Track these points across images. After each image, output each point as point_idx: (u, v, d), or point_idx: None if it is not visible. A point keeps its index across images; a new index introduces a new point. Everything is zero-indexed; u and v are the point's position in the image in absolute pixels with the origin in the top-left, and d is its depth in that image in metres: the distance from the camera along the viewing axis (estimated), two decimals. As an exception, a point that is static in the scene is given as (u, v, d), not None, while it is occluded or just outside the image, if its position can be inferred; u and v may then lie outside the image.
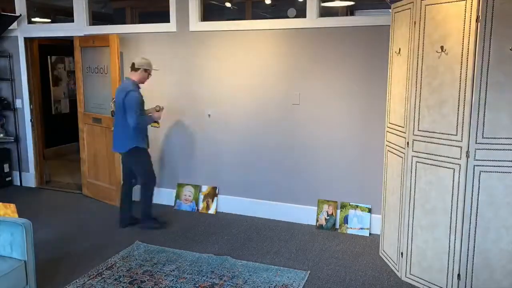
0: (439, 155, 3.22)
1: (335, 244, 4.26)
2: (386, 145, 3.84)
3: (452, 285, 3.27)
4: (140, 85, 4.44)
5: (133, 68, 4.37)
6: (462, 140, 3.08)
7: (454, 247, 3.22)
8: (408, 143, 3.42)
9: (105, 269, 3.72)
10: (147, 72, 4.42)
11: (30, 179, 6.18)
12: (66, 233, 4.50)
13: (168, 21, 5.06)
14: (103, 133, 5.36)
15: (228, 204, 5.06)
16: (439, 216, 3.28)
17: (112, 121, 5.09)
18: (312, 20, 4.47)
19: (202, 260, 3.89)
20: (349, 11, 5.53)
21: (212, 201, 5.05)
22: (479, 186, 3.09)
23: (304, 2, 4.49)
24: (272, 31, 4.65)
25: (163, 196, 5.32)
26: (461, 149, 3.09)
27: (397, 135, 3.61)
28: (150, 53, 5.18)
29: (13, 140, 6.08)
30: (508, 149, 3.01)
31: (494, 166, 3.04)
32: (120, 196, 4.70)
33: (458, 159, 3.11)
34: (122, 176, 4.73)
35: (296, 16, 4.84)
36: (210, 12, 5.39)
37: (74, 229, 4.62)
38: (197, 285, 3.47)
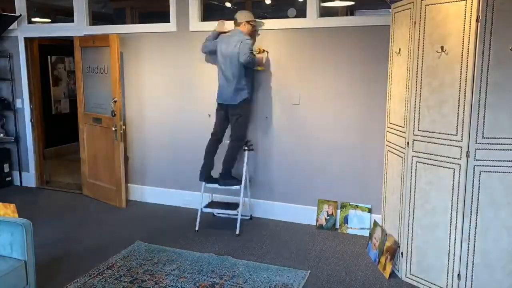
0: (439, 155, 3.22)
1: (335, 244, 4.26)
2: (386, 145, 3.84)
3: (452, 285, 3.27)
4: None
5: (236, 23, 4.46)
6: (462, 140, 3.08)
7: (454, 247, 3.22)
8: (408, 143, 3.42)
9: (106, 269, 3.73)
10: (250, 24, 4.47)
11: (30, 179, 6.18)
12: (67, 233, 4.51)
13: (168, 21, 5.07)
14: (103, 133, 5.36)
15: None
16: (439, 216, 3.28)
17: (112, 121, 5.10)
18: (312, 20, 4.47)
19: (202, 260, 3.89)
20: (349, 11, 5.53)
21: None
22: (479, 186, 3.09)
23: (304, 2, 4.49)
24: (272, 31, 4.65)
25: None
26: (461, 149, 3.09)
27: (397, 135, 3.61)
28: (150, 53, 5.19)
29: (13, 140, 6.08)
30: (508, 149, 3.01)
31: (494, 166, 3.04)
32: (207, 150, 4.63)
33: (458, 159, 3.11)
34: (214, 129, 4.64)
35: (296, 16, 4.84)
36: (210, 12, 5.39)
37: (74, 229, 4.62)
38: (197, 285, 3.48)
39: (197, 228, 4.51)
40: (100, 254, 4.01)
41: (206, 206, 4.67)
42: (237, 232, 4.42)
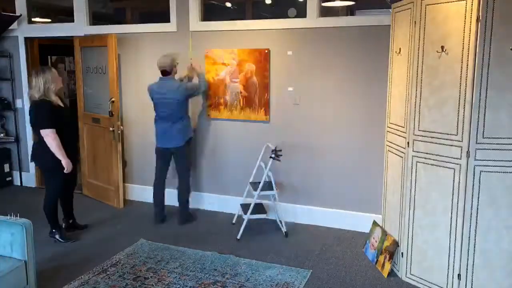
0: (440, 155, 3.21)
1: (336, 244, 4.26)
2: (387, 145, 3.84)
3: (452, 285, 3.27)
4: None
5: (166, 73, 4.54)
6: (462, 140, 3.08)
7: (455, 247, 3.22)
8: (408, 143, 3.42)
9: (110, 266, 3.77)
10: (175, 66, 4.65)
11: (30, 179, 6.17)
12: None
13: (168, 21, 5.06)
14: (101, 133, 5.35)
15: (226, 203, 5.06)
16: (439, 216, 3.28)
17: (110, 121, 5.09)
18: (312, 20, 4.47)
19: (205, 258, 3.92)
20: (349, 11, 5.52)
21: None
22: (479, 186, 3.08)
23: (304, 2, 4.49)
24: (272, 31, 4.65)
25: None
26: (461, 149, 3.09)
27: (397, 135, 3.61)
28: (150, 53, 5.18)
29: (13, 140, 6.08)
30: (508, 149, 3.01)
31: (495, 166, 3.04)
32: (156, 191, 4.79)
33: (459, 159, 3.11)
34: (157, 172, 4.78)
35: (296, 16, 4.84)
36: (210, 12, 5.38)
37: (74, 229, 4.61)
38: (200, 282, 3.50)
39: (239, 237, 4.32)
40: (104, 252, 4.02)
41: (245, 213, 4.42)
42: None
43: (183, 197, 4.79)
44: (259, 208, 4.49)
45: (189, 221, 4.79)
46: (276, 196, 4.48)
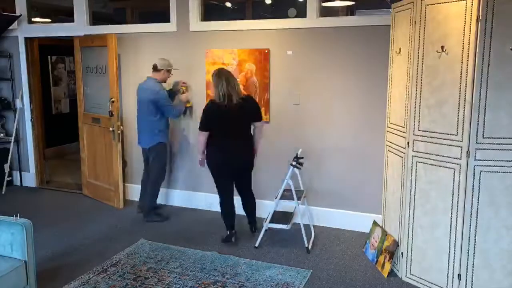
0: (440, 155, 3.21)
1: (336, 244, 4.26)
2: (387, 145, 3.84)
3: (452, 285, 3.27)
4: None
5: (156, 69, 4.67)
6: (462, 140, 3.08)
7: (455, 247, 3.22)
8: (408, 143, 3.42)
9: (110, 266, 3.77)
10: (169, 71, 4.75)
11: (30, 179, 6.18)
12: (67, 232, 4.50)
13: (168, 21, 5.06)
14: (101, 133, 5.35)
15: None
16: (439, 216, 3.28)
17: (110, 121, 5.09)
18: (312, 20, 4.47)
19: (205, 258, 3.92)
20: (349, 11, 5.52)
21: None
22: (479, 186, 3.09)
23: (304, 2, 4.49)
24: (272, 31, 4.65)
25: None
26: (461, 149, 3.09)
27: (397, 135, 3.61)
28: (150, 53, 5.18)
29: (13, 140, 6.08)
30: (508, 149, 3.01)
31: (495, 166, 3.04)
32: (141, 185, 5.02)
33: (459, 159, 3.11)
34: (144, 167, 4.98)
35: (296, 16, 4.84)
36: (210, 12, 5.38)
37: (74, 228, 4.62)
38: (200, 282, 3.50)
39: (256, 245, 4.16)
40: (104, 252, 4.02)
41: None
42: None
43: (145, 195, 4.90)
44: (280, 216, 4.23)
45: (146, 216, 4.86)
46: (298, 205, 4.15)
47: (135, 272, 3.67)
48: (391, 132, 3.73)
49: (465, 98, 3.04)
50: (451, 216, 3.21)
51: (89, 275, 3.60)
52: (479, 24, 2.92)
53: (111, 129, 5.09)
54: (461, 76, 3.04)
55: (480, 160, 3.05)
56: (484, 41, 2.93)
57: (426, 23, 3.20)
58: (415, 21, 3.29)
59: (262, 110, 4.76)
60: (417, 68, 3.29)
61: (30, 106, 6.01)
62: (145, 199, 4.89)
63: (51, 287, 3.44)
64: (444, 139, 3.18)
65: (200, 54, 4.94)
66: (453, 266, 3.25)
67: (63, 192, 5.91)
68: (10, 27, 5.82)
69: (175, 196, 5.33)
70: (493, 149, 3.03)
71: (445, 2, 3.08)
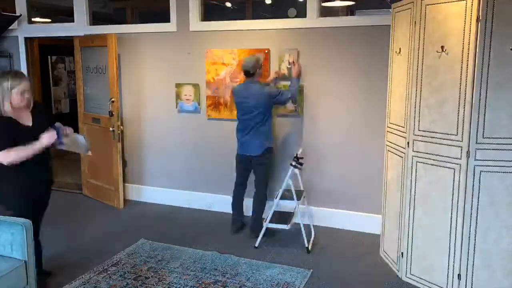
0: (440, 155, 3.21)
1: (336, 244, 4.26)
2: (387, 145, 3.84)
3: (452, 285, 3.27)
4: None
5: (249, 74, 4.20)
6: (462, 140, 3.08)
7: (455, 247, 3.22)
8: (408, 143, 3.42)
9: (111, 266, 3.77)
10: (261, 67, 4.31)
11: (30, 179, 6.16)
12: (67, 233, 4.50)
13: (168, 21, 5.07)
14: (101, 133, 5.35)
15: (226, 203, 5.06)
16: (439, 216, 3.28)
17: (110, 120, 5.09)
18: (312, 20, 4.47)
19: (206, 258, 3.92)
20: (349, 11, 5.53)
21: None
22: (479, 186, 3.09)
23: (304, 2, 4.49)
24: (272, 31, 4.65)
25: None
26: (461, 149, 3.09)
27: (397, 135, 3.61)
28: (150, 53, 5.19)
29: (13, 140, 6.07)
30: (508, 149, 3.01)
31: (495, 166, 3.04)
32: (234, 199, 4.51)
33: (459, 159, 3.11)
34: (237, 178, 4.50)
35: (296, 16, 4.84)
36: (210, 12, 5.39)
37: (74, 228, 4.62)
38: (200, 282, 3.50)
39: (256, 245, 4.15)
40: (100, 254, 4.01)
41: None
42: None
43: (258, 209, 4.38)
44: (279, 216, 4.21)
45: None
46: (298, 205, 4.18)
47: (135, 271, 3.67)
48: (391, 132, 3.73)
49: (465, 98, 3.04)
50: (451, 216, 3.21)
51: (89, 275, 3.60)
52: (479, 24, 2.92)
53: (111, 129, 5.09)
54: (461, 76, 3.05)
55: (480, 160, 3.05)
56: (484, 41, 2.93)
57: (426, 23, 3.20)
58: (415, 21, 3.29)
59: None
60: (417, 68, 3.29)
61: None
62: (258, 216, 4.35)
63: (51, 287, 3.44)
64: (444, 139, 3.18)
65: (200, 54, 4.94)
66: (453, 266, 3.25)
67: (63, 192, 5.91)
68: (10, 27, 5.82)
69: (175, 196, 5.33)
70: (493, 149, 3.03)
71: (445, 2, 3.08)
